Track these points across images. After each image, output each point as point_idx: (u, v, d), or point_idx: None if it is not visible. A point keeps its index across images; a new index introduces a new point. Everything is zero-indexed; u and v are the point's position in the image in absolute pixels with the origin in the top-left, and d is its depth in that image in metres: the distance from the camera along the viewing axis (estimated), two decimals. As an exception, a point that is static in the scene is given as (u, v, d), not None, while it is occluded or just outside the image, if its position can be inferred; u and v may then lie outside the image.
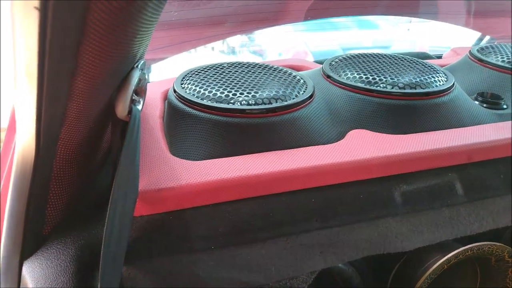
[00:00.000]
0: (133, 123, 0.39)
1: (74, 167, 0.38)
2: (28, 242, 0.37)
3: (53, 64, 0.22)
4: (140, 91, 0.44)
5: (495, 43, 1.05)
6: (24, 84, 0.25)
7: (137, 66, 0.40)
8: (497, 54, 0.70)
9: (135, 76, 0.39)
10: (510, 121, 0.57)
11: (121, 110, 0.38)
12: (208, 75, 0.56)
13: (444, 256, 0.57)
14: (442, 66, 0.78)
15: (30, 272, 0.37)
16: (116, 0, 0.20)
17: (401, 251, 0.49)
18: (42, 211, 0.38)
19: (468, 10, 1.11)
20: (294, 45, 3.27)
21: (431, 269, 0.57)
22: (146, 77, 0.44)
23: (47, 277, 0.37)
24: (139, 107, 0.44)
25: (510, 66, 0.66)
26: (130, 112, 0.40)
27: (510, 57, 0.68)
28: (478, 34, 1.16)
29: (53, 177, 0.37)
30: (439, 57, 0.94)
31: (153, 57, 0.74)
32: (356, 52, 0.68)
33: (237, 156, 0.46)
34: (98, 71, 0.28)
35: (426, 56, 0.93)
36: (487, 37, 1.11)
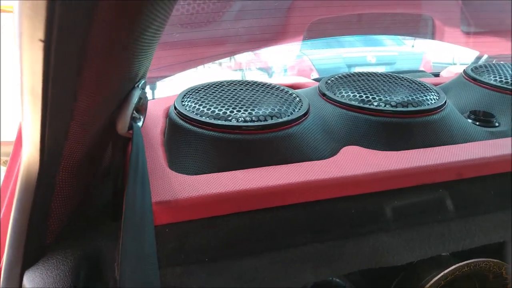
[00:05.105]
0: (136, 140, 0.42)
1: (76, 181, 0.40)
2: (30, 252, 0.40)
3: (56, 86, 0.25)
4: (141, 109, 0.47)
5: (493, 61, 1.07)
6: (30, 104, 0.27)
7: (137, 86, 0.42)
8: (490, 73, 0.72)
9: (136, 95, 0.41)
10: (501, 139, 0.59)
11: (121, 127, 0.40)
12: (208, 93, 0.59)
13: (441, 272, 0.58)
14: (437, 84, 0.80)
15: (31, 281, 0.39)
16: (115, 31, 0.23)
17: (392, 266, 0.50)
18: (45, 222, 0.40)
19: (467, 29, 1.13)
20: (299, 61, 3.33)
21: (428, 285, 0.58)
22: (147, 95, 0.47)
23: (46, 287, 0.38)
24: (140, 124, 0.46)
25: (502, 85, 0.68)
26: (131, 128, 0.42)
27: (503, 76, 0.70)
28: (476, 53, 1.18)
29: (56, 190, 0.39)
30: (436, 75, 0.96)
31: (158, 75, 0.77)
32: (360, 70, 0.70)
33: (231, 171, 0.48)
34: (99, 92, 0.30)
35: (423, 74, 0.95)
36: (485, 56, 1.13)
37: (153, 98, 0.75)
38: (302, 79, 0.81)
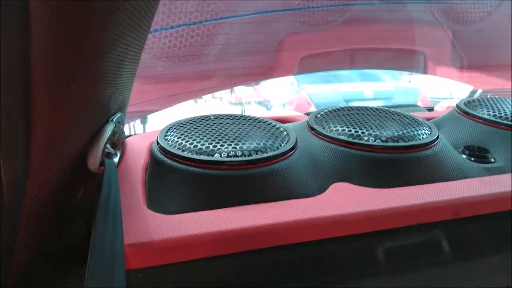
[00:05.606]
0: (107, 177, 0.39)
1: (43, 221, 0.38)
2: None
3: (2, 119, 0.23)
4: (117, 143, 0.45)
5: (488, 96, 1.07)
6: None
7: (112, 120, 0.41)
8: (483, 107, 0.71)
9: (108, 129, 0.39)
10: (498, 175, 0.56)
11: (92, 162, 0.38)
12: (192, 127, 0.57)
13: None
14: (430, 119, 0.79)
15: None
16: (60, 56, 0.21)
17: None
18: (7, 266, 0.37)
19: (460, 64, 1.14)
20: (297, 96, 3.35)
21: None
22: (123, 130, 0.45)
23: None
24: (115, 159, 0.44)
25: (496, 120, 0.66)
26: (103, 164, 0.40)
27: (496, 111, 0.68)
28: (471, 87, 1.18)
29: (20, 230, 0.36)
30: (430, 109, 0.94)
31: (143, 109, 0.76)
32: (356, 104, 0.69)
33: (212, 210, 0.45)
34: (58, 125, 0.28)
35: (416, 108, 0.94)
36: (480, 90, 1.13)
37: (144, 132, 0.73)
38: (293, 112, 0.80)
